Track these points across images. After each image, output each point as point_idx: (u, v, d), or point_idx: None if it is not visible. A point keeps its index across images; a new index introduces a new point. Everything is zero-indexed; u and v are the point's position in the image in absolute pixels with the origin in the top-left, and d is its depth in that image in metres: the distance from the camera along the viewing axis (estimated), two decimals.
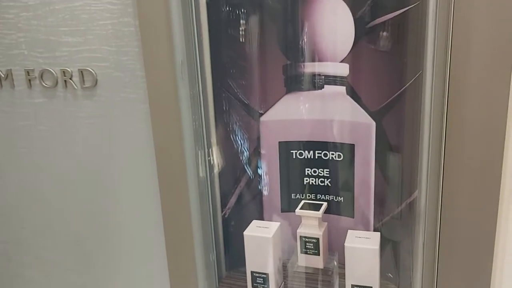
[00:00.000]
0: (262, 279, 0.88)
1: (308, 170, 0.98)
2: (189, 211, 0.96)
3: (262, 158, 0.99)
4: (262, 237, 0.87)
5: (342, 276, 0.88)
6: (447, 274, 0.82)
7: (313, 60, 0.89)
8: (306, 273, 0.87)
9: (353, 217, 0.96)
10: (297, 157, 0.97)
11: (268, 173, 1.00)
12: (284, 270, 0.92)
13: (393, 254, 0.93)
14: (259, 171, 1.00)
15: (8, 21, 1.01)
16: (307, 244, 0.86)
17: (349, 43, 0.87)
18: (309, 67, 0.90)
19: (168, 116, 0.92)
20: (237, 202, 1.02)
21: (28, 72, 1.04)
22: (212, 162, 0.99)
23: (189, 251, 0.99)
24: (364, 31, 0.86)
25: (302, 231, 0.86)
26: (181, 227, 0.98)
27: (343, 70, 0.88)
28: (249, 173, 1.00)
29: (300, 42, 0.89)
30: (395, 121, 0.88)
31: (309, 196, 0.97)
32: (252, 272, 0.89)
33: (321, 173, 0.97)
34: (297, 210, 0.87)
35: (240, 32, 0.92)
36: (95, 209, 1.10)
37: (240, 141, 1.00)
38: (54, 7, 0.97)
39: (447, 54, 0.76)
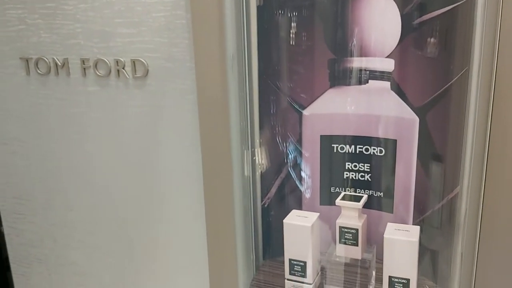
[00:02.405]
0: (300, 267, 0.90)
1: (348, 165, 0.99)
2: (232, 202, 0.99)
3: (303, 151, 1.01)
4: (301, 226, 0.89)
5: (379, 270, 0.89)
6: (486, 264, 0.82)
7: (358, 55, 0.91)
8: (343, 263, 0.88)
9: (392, 213, 0.97)
10: (338, 151, 0.99)
11: (309, 166, 1.02)
12: (321, 260, 0.93)
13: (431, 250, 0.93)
14: (300, 164, 1.02)
15: (67, 12, 1.07)
16: (346, 234, 0.88)
17: (395, 39, 0.88)
18: (355, 62, 0.92)
19: (216, 108, 0.95)
20: (277, 193, 1.04)
21: (83, 61, 1.10)
22: (257, 156, 1.01)
23: (230, 241, 1.01)
24: (411, 27, 0.87)
25: (341, 221, 0.88)
26: (223, 218, 1.00)
27: (389, 65, 0.90)
28: (290, 165, 1.02)
29: (346, 37, 0.91)
30: (439, 118, 0.89)
31: (348, 190, 0.99)
32: (290, 260, 0.91)
33: (361, 168, 0.98)
34: (338, 200, 0.89)
35: (288, 28, 0.95)
36: (140, 196, 1.14)
37: (283, 134, 1.03)
38: None
39: (494, 51, 0.76)
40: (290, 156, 1.02)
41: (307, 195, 1.03)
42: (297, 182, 1.02)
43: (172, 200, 1.11)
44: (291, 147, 1.02)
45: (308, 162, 1.01)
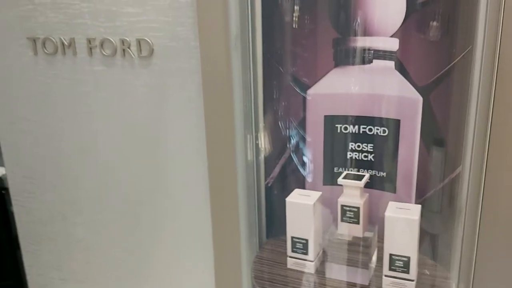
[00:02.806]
0: (301, 245, 0.91)
1: (352, 145, 1.00)
2: (235, 182, 1.00)
3: (307, 131, 1.02)
4: (303, 204, 0.90)
5: (381, 249, 0.90)
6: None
7: (363, 34, 0.91)
8: (345, 241, 0.89)
9: (395, 192, 0.98)
10: (342, 131, 0.99)
11: (313, 146, 1.02)
12: (323, 238, 0.94)
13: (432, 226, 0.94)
14: (304, 143, 1.03)
15: None
16: (347, 212, 0.89)
17: (399, 19, 0.88)
18: (359, 41, 0.92)
19: (220, 87, 0.96)
20: (280, 173, 1.05)
21: (89, 41, 1.11)
22: (260, 141, 1.02)
23: (234, 219, 1.02)
24: (415, 7, 0.86)
25: (343, 200, 0.89)
26: (227, 196, 1.02)
27: (393, 45, 0.89)
28: (293, 145, 1.03)
29: (351, 16, 0.91)
30: (442, 97, 0.89)
31: (352, 170, 0.99)
32: (292, 238, 0.92)
33: (365, 148, 0.99)
34: (340, 179, 0.89)
35: (293, 8, 0.95)
36: (146, 174, 1.16)
37: (287, 114, 1.03)
38: None
39: (498, 30, 0.76)
40: (293, 136, 1.03)
41: (310, 175, 1.03)
42: (301, 162, 1.03)
43: (177, 177, 1.13)
44: (295, 128, 1.02)
45: (311, 142, 1.02)
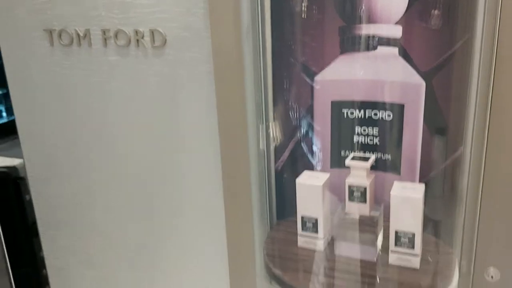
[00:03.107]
0: (311, 224, 0.96)
1: (358, 129, 1.04)
2: (248, 169, 1.04)
3: (315, 116, 1.06)
4: (313, 185, 0.94)
5: (386, 228, 0.95)
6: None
7: (368, 22, 0.95)
8: (352, 220, 0.94)
9: (399, 174, 1.02)
10: (348, 116, 1.04)
11: (320, 130, 1.07)
12: (332, 217, 0.99)
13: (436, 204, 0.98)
14: (312, 129, 1.07)
15: None
16: (355, 192, 0.93)
17: (403, 6, 0.92)
18: (364, 29, 0.96)
19: (231, 75, 1.00)
20: (290, 157, 1.09)
21: (104, 32, 1.15)
22: (271, 130, 1.07)
23: (247, 203, 1.06)
24: None
25: (350, 180, 0.93)
26: (240, 182, 1.06)
27: (396, 32, 0.93)
28: (302, 130, 1.08)
29: (356, 4, 0.95)
30: (444, 82, 0.93)
31: (358, 153, 1.04)
32: (302, 217, 0.97)
33: (370, 132, 1.03)
34: (347, 161, 0.94)
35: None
36: (160, 160, 1.20)
37: (295, 101, 1.07)
38: None
39: (496, 17, 0.80)
40: (302, 121, 1.07)
41: (318, 158, 1.08)
42: (309, 146, 1.08)
43: (190, 163, 1.17)
44: (303, 113, 1.07)
45: (319, 127, 1.06)
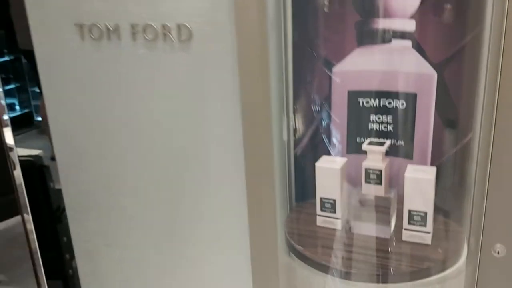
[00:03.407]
0: (330, 204, 1.04)
1: (373, 117, 1.11)
2: (272, 157, 1.10)
3: (332, 105, 1.13)
4: (331, 168, 1.02)
5: (399, 210, 1.02)
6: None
7: (383, 17, 1.02)
8: (368, 201, 1.01)
9: (412, 159, 1.09)
10: (364, 105, 1.11)
11: (337, 118, 1.14)
12: (348, 198, 1.07)
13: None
14: (330, 117, 1.14)
15: None
16: (371, 175, 1.01)
17: (416, 1, 0.99)
18: (379, 23, 1.03)
19: (255, 66, 1.07)
20: (309, 143, 1.17)
21: (133, 27, 1.22)
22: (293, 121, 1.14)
23: (270, 187, 1.13)
24: None
25: (367, 163, 1.01)
26: (263, 169, 1.12)
27: (410, 26, 1.00)
28: (320, 118, 1.15)
29: (372, 0, 1.02)
30: (455, 72, 1.00)
31: (373, 139, 1.11)
32: (321, 198, 1.05)
33: (384, 120, 1.10)
34: (364, 145, 1.01)
35: None
36: (185, 148, 1.27)
37: (314, 91, 1.15)
38: None
39: (504, 11, 0.86)
40: (320, 110, 1.15)
41: (335, 144, 1.15)
42: (328, 133, 1.15)
43: (214, 151, 1.25)
44: (321, 102, 1.14)
45: (336, 115, 1.14)
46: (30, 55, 1.72)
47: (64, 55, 1.32)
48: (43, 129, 2.10)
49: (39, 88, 1.97)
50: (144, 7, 1.19)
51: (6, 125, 1.60)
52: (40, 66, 1.38)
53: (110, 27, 1.24)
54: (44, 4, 1.30)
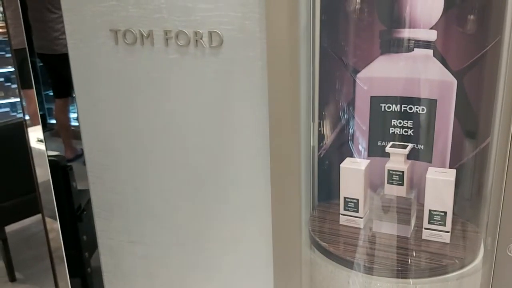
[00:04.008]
0: (353, 204, 1.09)
1: (394, 121, 1.17)
2: (299, 160, 1.15)
3: (356, 110, 1.19)
4: (355, 169, 1.07)
5: (419, 211, 1.07)
6: None
7: (406, 27, 1.08)
8: (390, 201, 1.07)
9: (431, 162, 1.15)
10: (386, 110, 1.17)
11: (360, 122, 1.20)
12: (371, 198, 1.12)
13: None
14: (353, 121, 1.20)
15: None
16: (393, 176, 1.06)
17: (438, 12, 1.05)
18: (403, 33, 1.09)
19: (285, 72, 1.13)
20: (332, 145, 1.23)
21: (166, 33, 1.29)
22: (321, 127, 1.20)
23: (295, 184, 1.19)
24: (452, 2, 1.03)
25: (390, 165, 1.06)
26: (288, 167, 1.18)
27: (432, 35, 1.06)
28: (344, 122, 1.21)
29: (396, 11, 1.08)
30: (474, 80, 1.06)
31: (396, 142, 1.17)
32: (345, 198, 1.10)
33: (405, 124, 1.16)
34: (387, 148, 1.07)
35: (347, 5, 1.12)
36: (212, 150, 1.33)
37: (339, 96, 1.20)
38: None
39: None
40: (344, 114, 1.20)
41: (357, 147, 1.21)
42: (350, 136, 1.21)
43: (240, 154, 1.30)
44: (345, 107, 1.20)
45: (359, 119, 1.19)
46: (46, 58, 1.79)
47: (98, 59, 1.39)
48: (57, 131, 2.17)
49: (53, 91, 2.05)
50: (178, 15, 1.25)
51: (37, 123, 1.67)
52: (74, 69, 1.45)
53: (143, 33, 1.31)
54: (80, 10, 1.37)
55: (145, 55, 1.33)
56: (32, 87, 1.64)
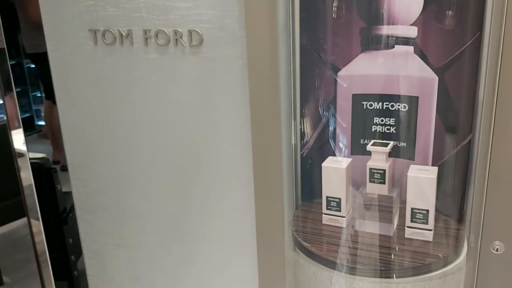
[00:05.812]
0: (335, 203, 1.08)
1: (376, 119, 1.16)
2: (280, 159, 1.14)
3: (337, 108, 1.18)
4: (337, 168, 1.06)
5: (401, 209, 1.06)
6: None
7: (386, 23, 1.07)
8: (372, 200, 1.06)
9: (414, 160, 1.14)
10: (368, 107, 1.16)
11: (342, 121, 1.18)
12: (353, 197, 1.11)
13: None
14: (335, 119, 1.19)
15: None
16: (375, 174, 1.05)
17: (418, 9, 1.04)
18: (383, 30, 1.07)
19: (265, 71, 1.11)
20: (314, 144, 1.21)
21: (145, 32, 1.27)
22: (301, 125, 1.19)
23: (278, 188, 1.17)
24: None
25: (371, 163, 1.05)
26: (271, 170, 1.16)
27: (412, 32, 1.05)
28: (326, 121, 1.19)
29: (376, 8, 1.07)
30: (455, 76, 1.05)
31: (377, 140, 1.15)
32: (327, 197, 1.09)
33: (387, 122, 1.15)
34: (369, 146, 1.06)
35: (327, 2, 1.11)
36: (194, 150, 1.32)
37: (320, 94, 1.19)
38: None
39: (502, 18, 0.91)
40: (326, 113, 1.19)
41: (339, 146, 1.20)
42: (332, 135, 1.19)
43: (223, 154, 1.29)
44: (327, 105, 1.19)
45: (341, 118, 1.18)
46: (37, 58, 1.76)
47: (78, 59, 1.37)
48: (45, 133, 2.15)
49: (41, 92, 2.02)
50: (157, 14, 1.24)
51: (18, 127, 1.65)
52: (53, 69, 1.43)
53: (123, 33, 1.29)
54: (59, 10, 1.35)
55: (124, 55, 1.31)
56: (12, 90, 1.61)
